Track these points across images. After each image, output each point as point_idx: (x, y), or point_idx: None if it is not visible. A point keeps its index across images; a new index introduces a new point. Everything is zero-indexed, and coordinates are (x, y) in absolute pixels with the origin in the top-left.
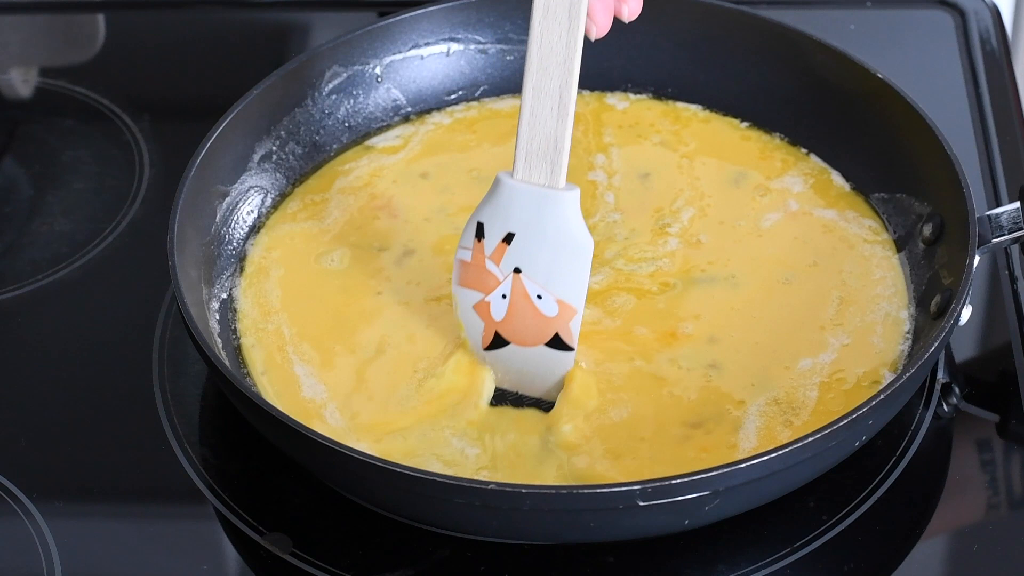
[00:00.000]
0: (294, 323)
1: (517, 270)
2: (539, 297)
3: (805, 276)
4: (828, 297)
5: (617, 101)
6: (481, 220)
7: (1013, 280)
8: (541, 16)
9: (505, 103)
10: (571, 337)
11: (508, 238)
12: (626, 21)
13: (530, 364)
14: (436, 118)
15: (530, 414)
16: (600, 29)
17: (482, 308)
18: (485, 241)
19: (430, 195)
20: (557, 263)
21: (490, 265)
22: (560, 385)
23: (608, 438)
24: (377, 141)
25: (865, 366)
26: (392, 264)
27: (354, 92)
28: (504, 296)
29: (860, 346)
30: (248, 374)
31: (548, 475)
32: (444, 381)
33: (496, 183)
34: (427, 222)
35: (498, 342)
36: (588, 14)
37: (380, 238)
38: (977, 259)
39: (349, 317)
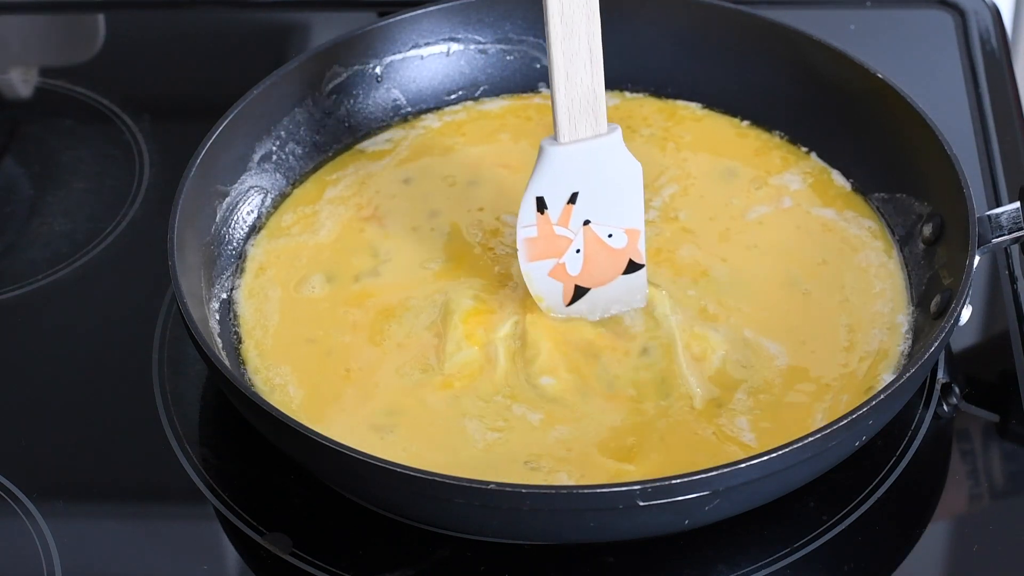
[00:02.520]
0: (294, 323)
1: (586, 222)
2: (610, 236)
3: (809, 277)
4: (829, 299)
5: (611, 98)
6: (540, 194)
7: (1013, 280)
8: None
9: (495, 104)
10: (641, 256)
11: (572, 198)
12: None
13: (611, 294)
14: (427, 121)
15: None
16: None
17: (558, 271)
18: (549, 211)
19: (414, 202)
20: (618, 198)
21: (559, 230)
22: (643, 290)
23: None
24: (367, 145)
25: (865, 366)
26: (388, 266)
27: (354, 92)
28: (578, 251)
29: (859, 349)
30: (248, 374)
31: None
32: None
33: (544, 154)
34: (415, 231)
35: (578, 293)
36: None
37: (373, 245)
38: (977, 259)
39: (348, 319)
